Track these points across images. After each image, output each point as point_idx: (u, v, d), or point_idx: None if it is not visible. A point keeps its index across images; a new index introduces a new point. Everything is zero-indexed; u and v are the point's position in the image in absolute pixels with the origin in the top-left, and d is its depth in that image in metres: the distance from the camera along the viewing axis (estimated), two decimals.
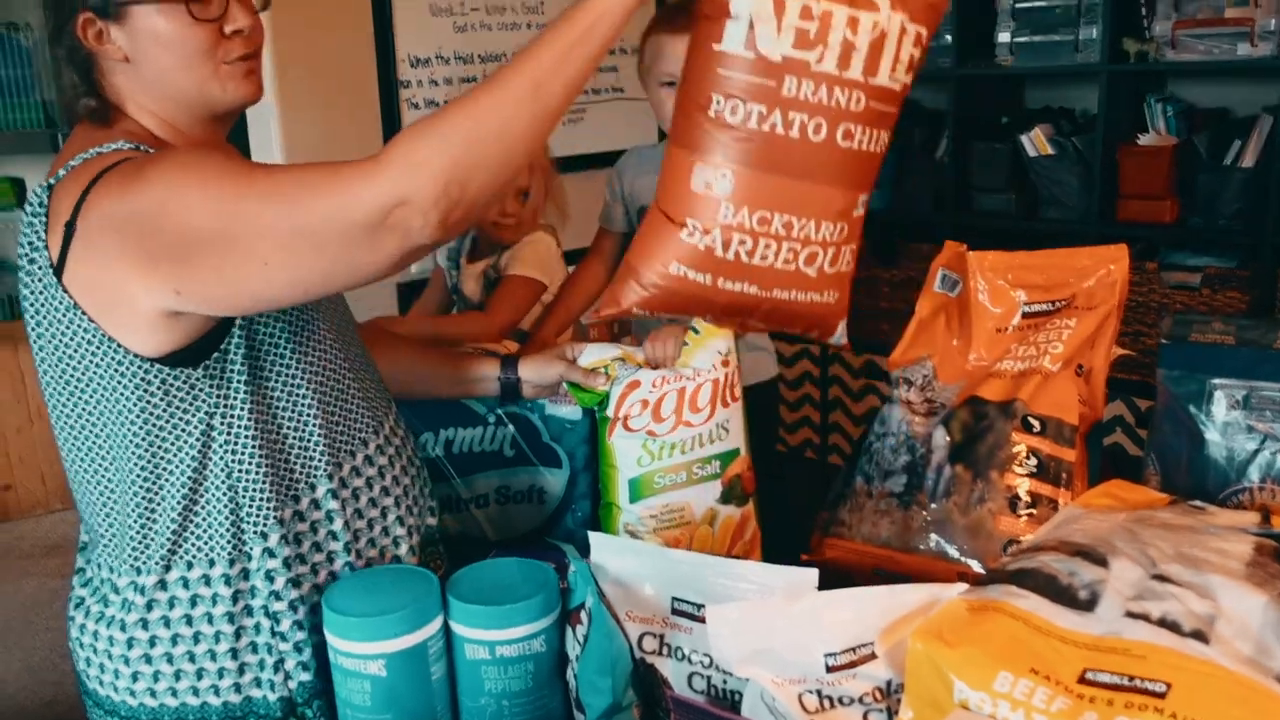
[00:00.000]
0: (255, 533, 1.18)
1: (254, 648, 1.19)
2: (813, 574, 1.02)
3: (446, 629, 1.18)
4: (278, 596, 1.19)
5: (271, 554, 1.19)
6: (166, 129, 1.18)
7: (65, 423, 1.17)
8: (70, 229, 1.07)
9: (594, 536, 1.17)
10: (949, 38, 3.30)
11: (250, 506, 1.17)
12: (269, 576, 1.19)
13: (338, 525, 1.23)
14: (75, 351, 1.12)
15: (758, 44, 1.03)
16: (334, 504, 1.23)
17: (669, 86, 1.88)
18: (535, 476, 1.71)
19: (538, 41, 1.01)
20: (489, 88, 0.99)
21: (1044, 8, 3.17)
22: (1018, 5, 3.20)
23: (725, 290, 1.10)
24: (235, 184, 1.01)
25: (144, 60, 1.14)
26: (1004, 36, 3.24)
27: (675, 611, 1.10)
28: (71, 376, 1.13)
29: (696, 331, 1.49)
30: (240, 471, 1.17)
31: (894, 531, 1.42)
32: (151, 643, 1.18)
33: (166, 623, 1.18)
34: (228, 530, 1.17)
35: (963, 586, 0.95)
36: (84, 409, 1.15)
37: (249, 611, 1.19)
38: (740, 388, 1.50)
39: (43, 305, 1.12)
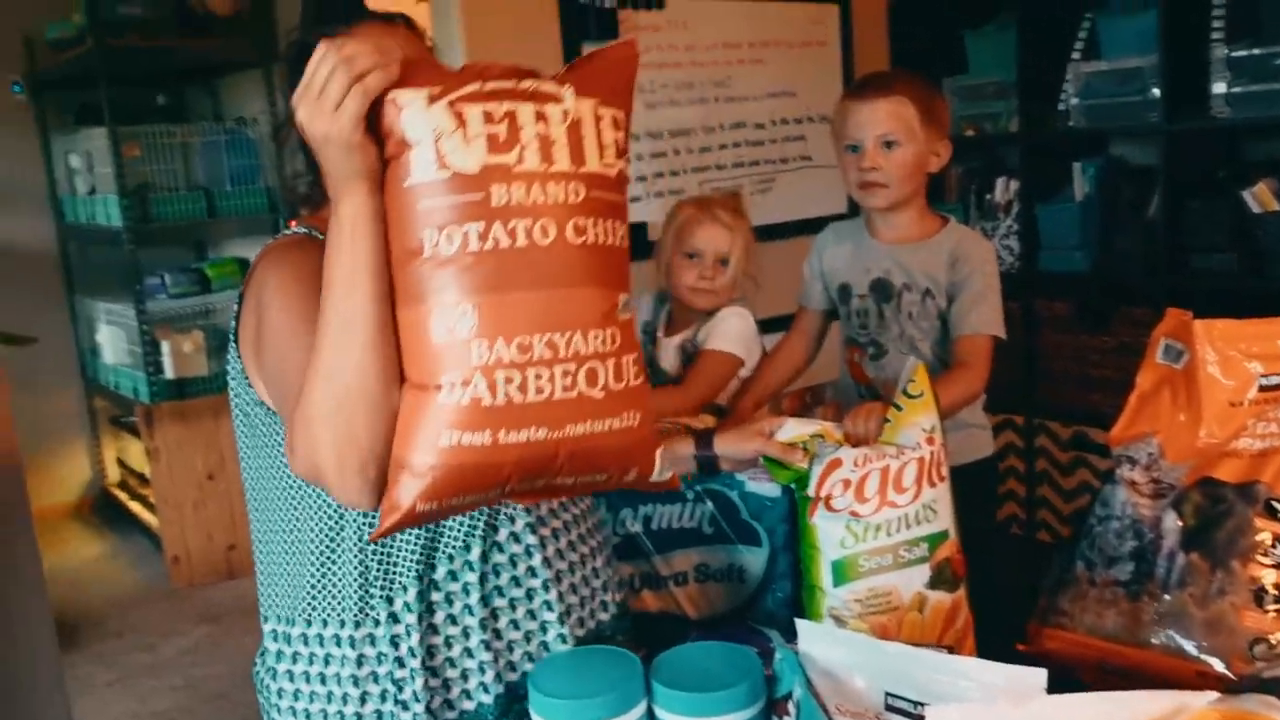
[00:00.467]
0: (380, 597, 1.20)
1: (379, 715, 1.22)
2: (1041, 675, 0.96)
3: (650, 713, 1.16)
4: (400, 664, 1.21)
5: (395, 619, 1.21)
6: None
7: (245, 478, 1.28)
8: (242, 297, 1.22)
9: (801, 624, 1.13)
10: (1156, 91, 3.15)
11: (378, 570, 1.20)
12: (393, 642, 1.21)
13: (474, 600, 1.23)
14: (247, 412, 1.23)
15: (449, 161, 0.96)
16: (471, 577, 1.23)
17: (850, 151, 1.91)
18: (734, 555, 1.69)
19: (326, 282, 1.02)
20: (316, 352, 1.02)
21: (1263, 56, 2.99)
22: (1233, 55, 3.03)
23: (512, 444, 0.97)
24: (288, 331, 1.11)
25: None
26: (1219, 88, 3.06)
27: (890, 708, 1.05)
28: (245, 435, 1.25)
29: (899, 408, 1.45)
30: (369, 534, 1.20)
31: (1121, 623, 1.33)
32: (295, 695, 1.25)
33: (306, 677, 1.24)
34: (355, 592, 1.20)
35: (1213, 695, 0.88)
36: (251, 465, 1.25)
37: (374, 678, 1.21)
38: (947, 466, 1.45)
39: (231, 367, 1.25)
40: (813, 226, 2.85)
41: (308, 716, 1.25)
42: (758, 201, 2.91)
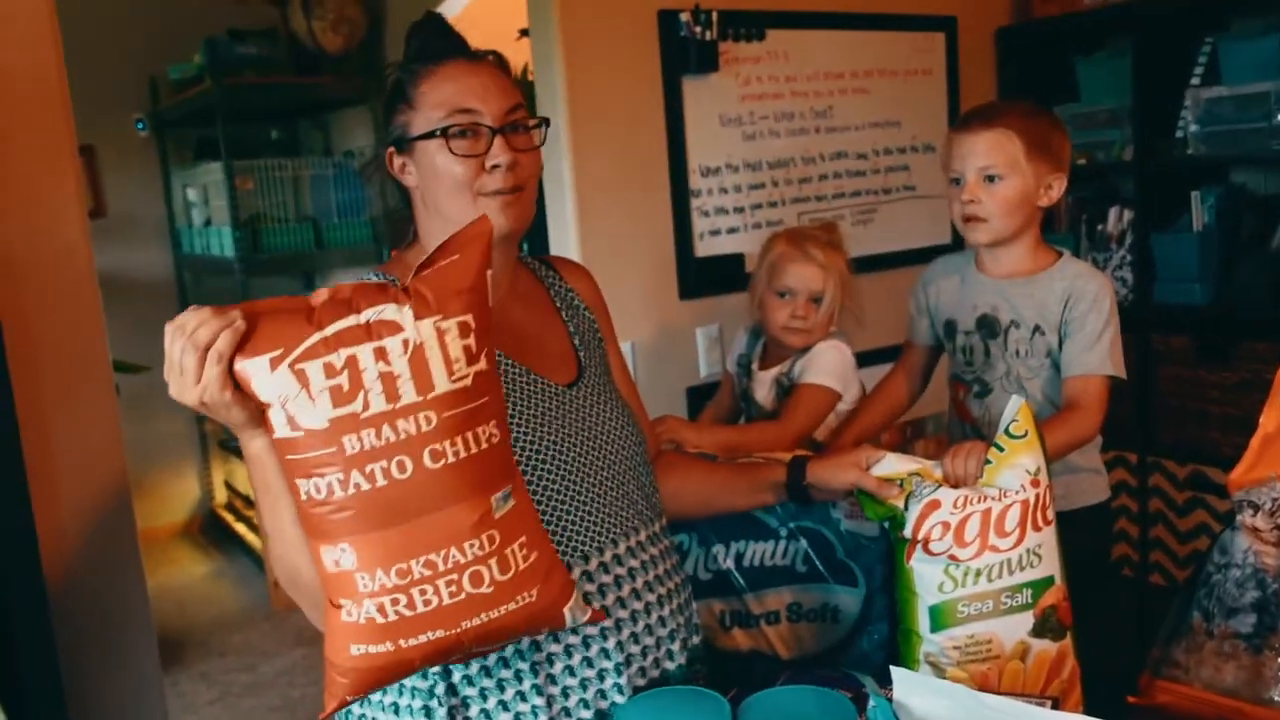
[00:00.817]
0: None
1: None
2: None
3: None
4: (441, 701, 1.21)
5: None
6: None
7: None
8: None
9: (897, 673, 1.09)
10: None
11: None
12: (445, 672, 1.21)
13: (524, 643, 1.22)
14: None
15: (299, 421, 1.00)
16: None
17: (954, 184, 1.85)
18: (829, 594, 1.64)
19: (256, 500, 1.15)
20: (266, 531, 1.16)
21: None
22: None
23: (415, 646, 1.03)
24: None
25: (426, 188, 1.27)
26: None
27: None
28: None
29: (1001, 448, 1.39)
30: None
31: (1241, 679, 1.25)
32: (361, 718, 1.27)
33: (376, 704, 1.26)
34: None
35: None
36: None
37: (427, 712, 1.21)
38: (1053, 509, 1.38)
39: None
40: (916, 257, 2.80)
41: None
42: (859, 233, 2.86)
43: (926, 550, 1.35)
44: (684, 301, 2.53)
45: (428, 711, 1.21)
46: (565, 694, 1.24)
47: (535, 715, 1.22)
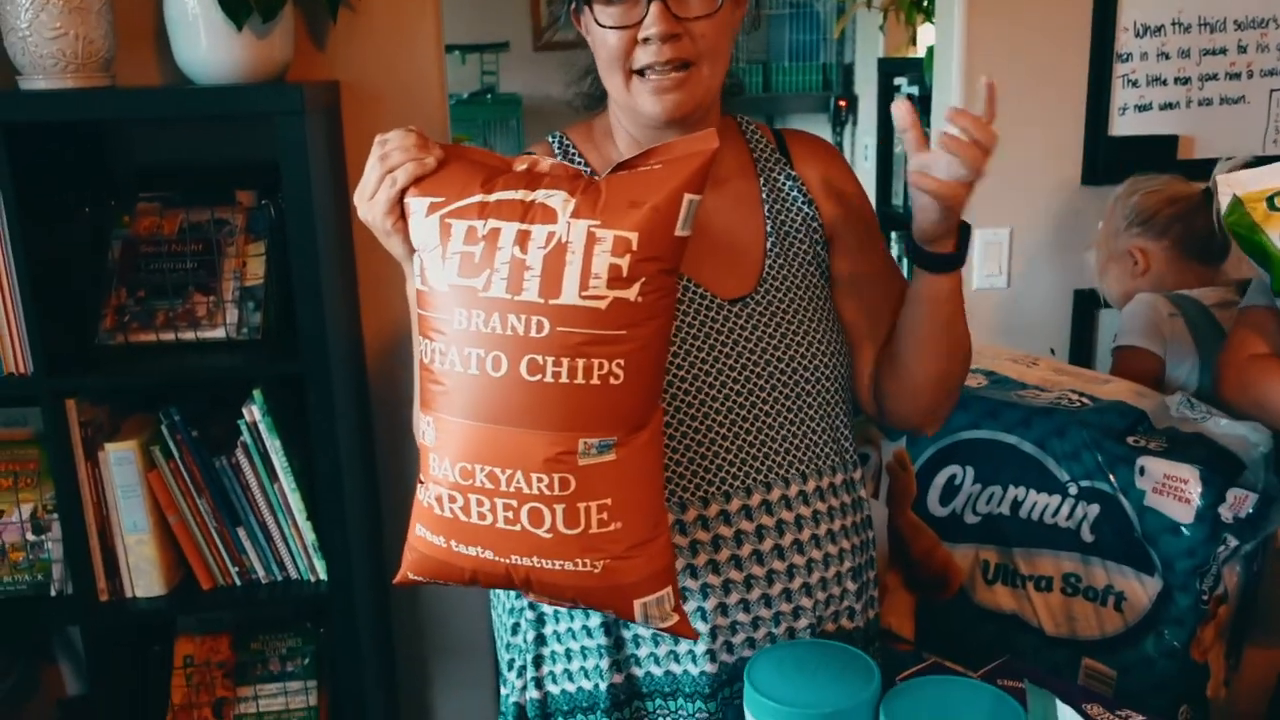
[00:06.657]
0: None
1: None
2: None
3: None
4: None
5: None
6: (622, 132, 1.16)
7: None
8: None
9: None
10: None
11: None
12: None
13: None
14: None
15: (428, 277, 0.95)
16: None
17: None
18: (1115, 576, 1.34)
19: None
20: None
21: None
22: None
23: (465, 556, 0.95)
24: None
25: (596, 57, 1.11)
26: None
27: None
28: None
29: None
30: None
31: None
32: None
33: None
34: None
35: None
36: None
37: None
38: None
39: None
40: None
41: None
42: None
43: None
44: (1087, 188, 2.12)
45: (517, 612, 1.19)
46: (636, 642, 1.12)
47: (600, 654, 1.12)
